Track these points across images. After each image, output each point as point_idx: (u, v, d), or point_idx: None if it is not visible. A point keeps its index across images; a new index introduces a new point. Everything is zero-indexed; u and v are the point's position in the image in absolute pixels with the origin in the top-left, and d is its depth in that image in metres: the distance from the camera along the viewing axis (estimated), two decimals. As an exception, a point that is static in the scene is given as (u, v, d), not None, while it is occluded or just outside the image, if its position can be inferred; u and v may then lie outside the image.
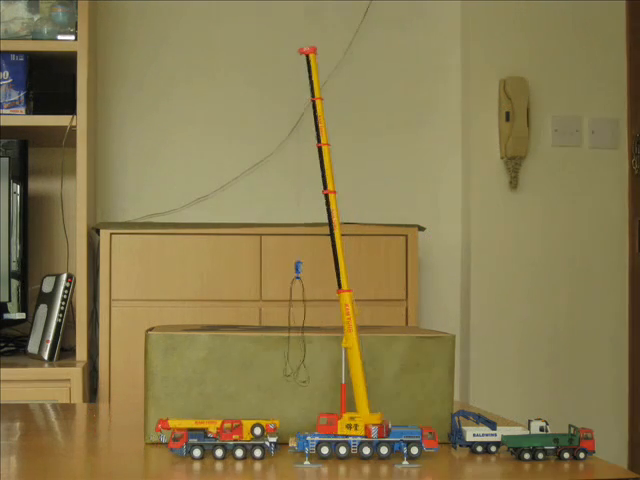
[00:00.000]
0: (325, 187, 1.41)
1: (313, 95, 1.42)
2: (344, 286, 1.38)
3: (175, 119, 3.01)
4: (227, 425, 1.34)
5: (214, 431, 1.35)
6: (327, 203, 1.40)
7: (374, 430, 1.32)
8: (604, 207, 3.11)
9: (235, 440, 1.34)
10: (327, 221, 1.38)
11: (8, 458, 1.36)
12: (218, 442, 1.34)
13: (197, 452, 1.34)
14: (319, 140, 1.41)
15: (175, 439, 1.34)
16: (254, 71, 3.05)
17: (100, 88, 2.96)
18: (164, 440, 1.36)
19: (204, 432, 1.35)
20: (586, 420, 2.63)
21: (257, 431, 1.34)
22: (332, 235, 1.39)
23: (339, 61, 3.04)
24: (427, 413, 1.47)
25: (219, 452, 1.34)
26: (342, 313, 1.37)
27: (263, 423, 1.35)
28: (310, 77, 1.43)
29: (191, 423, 1.36)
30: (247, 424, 1.35)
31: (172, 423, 1.35)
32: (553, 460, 1.36)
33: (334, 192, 1.40)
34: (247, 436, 1.34)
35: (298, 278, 1.42)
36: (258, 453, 1.34)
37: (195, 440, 1.34)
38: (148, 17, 3.00)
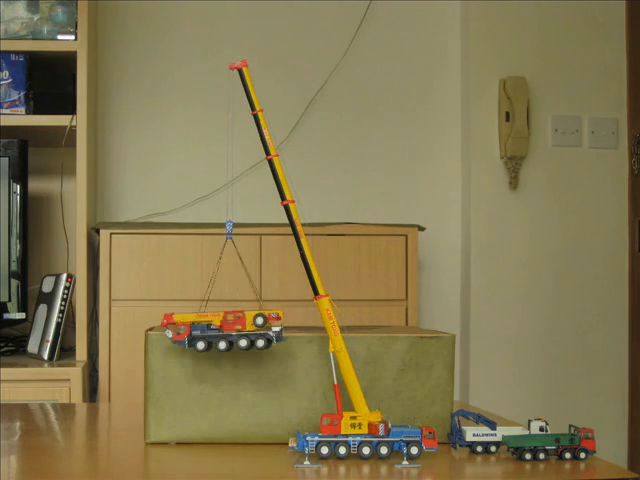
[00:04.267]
0: (283, 198, 1.40)
1: (253, 109, 1.41)
2: (321, 292, 1.38)
3: (175, 119, 3.01)
4: (229, 316, 1.34)
5: (217, 323, 1.34)
6: (288, 214, 1.39)
7: (381, 427, 1.32)
8: (604, 207, 3.11)
9: (238, 331, 1.33)
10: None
11: (8, 458, 1.36)
12: (221, 334, 1.34)
13: (201, 344, 1.33)
14: (267, 153, 1.40)
15: (179, 332, 1.34)
16: (253, 72, 3.01)
17: (100, 88, 2.96)
18: (169, 336, 1.36)
19: (207, 325, 1.35)
20: (586, 420, 2.64)
21: (259, 321, 1.33)
22: (299, 244, 1.39)
23: (339, 61, 3.04)
24: (427, 413, 1.48)
25: (222, 344, 1.33)
26: (324, 319, 1.37)
27: (266, 313, 1.34)
28: (247, 91, 1.42)
29: (194, 317, 1.35)
30: (249, 315, 1.34)
31: (177, 318, 1.35)
32: (554, 460, 1.36)
33: (293, 201, 1.40)
34: (250, 327, 1.34)
35: (230, 238, 1.41)
36: (261, 343, 1.33)
37: (198, 332, 1.33)
38: (148, 17, 3.00)
